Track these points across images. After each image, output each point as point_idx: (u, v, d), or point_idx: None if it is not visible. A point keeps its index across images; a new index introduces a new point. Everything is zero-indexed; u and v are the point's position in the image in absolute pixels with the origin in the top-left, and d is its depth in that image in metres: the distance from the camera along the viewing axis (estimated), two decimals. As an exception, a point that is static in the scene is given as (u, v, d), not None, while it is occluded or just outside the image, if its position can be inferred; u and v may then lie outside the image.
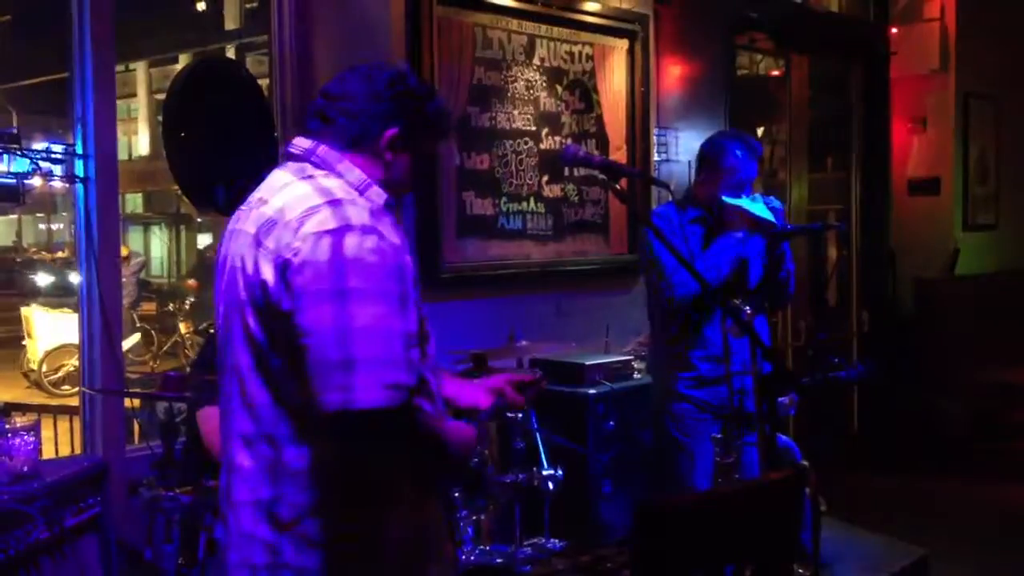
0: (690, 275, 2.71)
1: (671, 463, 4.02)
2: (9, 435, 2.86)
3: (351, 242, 1.91)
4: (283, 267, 1.94)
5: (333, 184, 2.05)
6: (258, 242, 2.00)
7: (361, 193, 2.08)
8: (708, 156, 3.99)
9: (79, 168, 4.10)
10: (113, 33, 4.17)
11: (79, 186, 4.12)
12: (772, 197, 3.93)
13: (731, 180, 3.90)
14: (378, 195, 2.10)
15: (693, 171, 4.22)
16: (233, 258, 2.09)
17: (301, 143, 2.15)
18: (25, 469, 2.87)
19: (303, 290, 1.91)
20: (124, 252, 13.80)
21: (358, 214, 1.96)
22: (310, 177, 2.07)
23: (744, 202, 3.86)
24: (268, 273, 1.96)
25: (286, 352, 1.96)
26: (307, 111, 2.18)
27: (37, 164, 3.96)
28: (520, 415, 4.00)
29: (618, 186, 2.64)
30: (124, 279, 11.65)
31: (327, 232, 1.92)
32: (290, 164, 2.14)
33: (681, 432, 3.95)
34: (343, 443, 1.95)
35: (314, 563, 2.01)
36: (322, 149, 2.11)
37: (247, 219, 2.09)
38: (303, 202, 1.99)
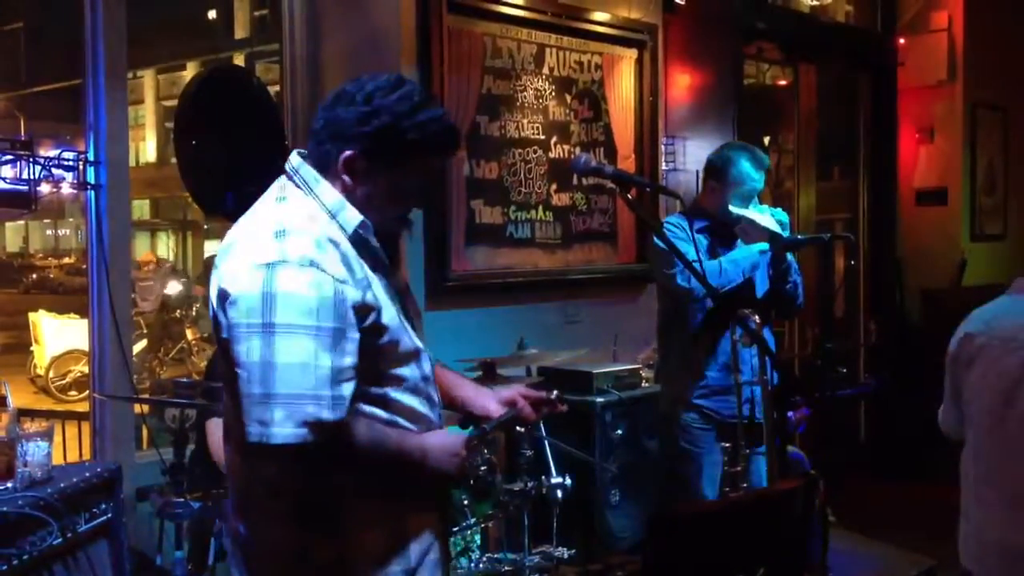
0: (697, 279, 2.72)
1: (679, 472, 4.02)
2: (23, 440, 2.88)
3: (285, 276, 1.91)
4: (222, 296, 1.97)
5: (299, 210, 2.03)
6: (216, 266, 2.04)
7: (334, 216, 2.05)
8: (715, 167, 4.01)
9: (91, 175, 4.11)
10: (125, 41, 4.20)
11: (90, 193, 4.14)
12: (778, 208, 3.95)
13: (738, 191, 3.92)
14: (352, 218, 2.06)
15: (700, 181, 4.24)
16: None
17: (292, 159, 2.14)
18: (39, 475, 2.88)
19: (236, 322, 1.93)
20: (151, 258, 13.83)
21: (302, 247, 1.94)
22: (282, 199, 2.07)
23: (751, 213, 3.88)
24: (214, 299, 2.01)
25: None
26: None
27: (49, 171, 3.98)
28: (526, 428, 4.01)
29: (629, 196, 2.64)
30: (151, 283, 11.68)
31: (264, 265, 1.92)
32: (282, 178, 2.14)
33: (690, 441, 3.96)
34: (277, 469, 1.98)
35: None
36: (304, 168, 2.10)
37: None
38: (254, 231, 2.00)
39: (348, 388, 1.94)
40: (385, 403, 2.06)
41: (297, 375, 1.88)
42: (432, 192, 2.26)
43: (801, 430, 3.98)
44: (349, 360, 1.95)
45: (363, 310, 1.99)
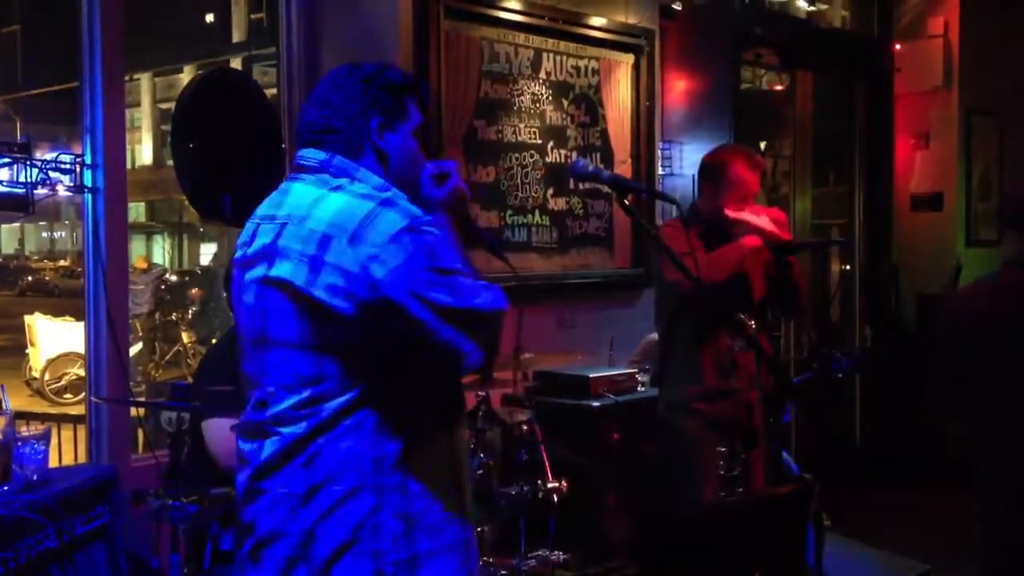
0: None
1: (676, 476, 4.02)
2: (20, 443, 2.87)
3: (426, 231, 2.05)
4: (360, 278, 2.00)
5: (364, 189, 2.11)
6: (317, 259, 2.03)
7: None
8: (710, 169, 4.01)
9: (87, 178, 4.11)
10: (122, 44, 4.20)
11: (87, 196, 4.13)
12: (775, 208, 3.95)
13: (734, 193, 3.91)
14: (400, 196, 2.15)
15: (696, 184, 4.24)
16: (263, 272, 2.11)
17: (314, 154, 2.17)
18: (35, 478, 2.88)
19: (408, 286, 2.00)
20: (144, 264, 13.82)
21: (411, 206, 2.08)
22: (338, 188, 2.11)
23: (748, 215, 3.88)
24: (335, 286, 2.02)
25: (350, 354, 2.06)
26: (300, 128, 2.22)
27: (46, 174, 3.98)
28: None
29: (626, 200, 2.65)
30: (143, 287, 11.68)
31: (403, 231, 2.02)
32: (306, 177, 2.16)
33: (686, 445, 3.96)
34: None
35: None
36: (338, 159, 2.15)
37: (284, 236, 2.10)
38: (355, 212, 2.04)
39: None
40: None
41: (469, 280, 2.09)
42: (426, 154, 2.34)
43: (787, 419, 3.97)
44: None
45: None
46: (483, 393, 4.07)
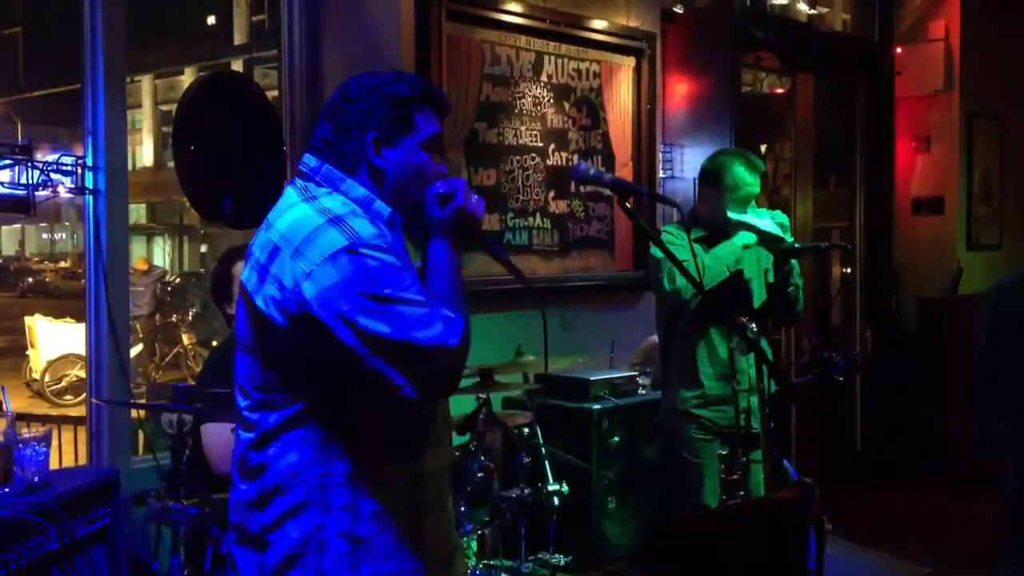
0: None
1: (677, 480, 4.03)
2: (21, 445, 2.87)
3: (368, 254, 1.96)
4: (293, 294, 1.97)
5: (335, 203, 2.07)
6: (263, 268, 2.03)
7: (366, 208, 2.10)
8: (710, 173, 4.02)
9: (89, 180, 4.11)
10: (125, 46, 4.20)
11: (88, 198, 4.13)
12: (777, 211, 3.95)
13: (734, 196, 3.92)
14: (381, 209, 2.12)
15: (697, 189, 4.24)
16: (245, 278, 2.12)
17: (309, 161, 2.17)
18: (36, 480, 2.88)
19: (335, 309, 1.94)
20: (144, 265, 13.81)
21: (362, 227, 2.00)
22: (313, 198, 2.09)
23: (749, 217, 3.88)
24: (271, 297, 2.00)
25: (287, 367, 2.03)
26: (313, 131, 2.21)
27: (48, 175, 3.98)
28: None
29: (627, 204, 2.65)
30: (142, 289, 11.68)
31: (341, 251, 1.95)
32: (297, 182, 2.17)
33: (687, 450, 3.96)
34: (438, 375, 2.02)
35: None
36: (326, 168, 2.14)
37: (256, 241, 2.12)
38: (304, 226, 2.02)
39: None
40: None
41: (420, 317, 1.97)
42: (440, 165, 2.27)
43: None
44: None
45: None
46: (484, 396, 4.07)
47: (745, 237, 3.88)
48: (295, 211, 2.07)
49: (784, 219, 3.91)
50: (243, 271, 2.12)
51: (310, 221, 2.02)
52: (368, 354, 1.94)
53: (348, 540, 2.04)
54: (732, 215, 3.89)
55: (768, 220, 3.87)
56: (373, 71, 2.20)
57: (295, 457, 2.04)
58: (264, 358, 2.06)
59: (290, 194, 2.14)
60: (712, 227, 3.96)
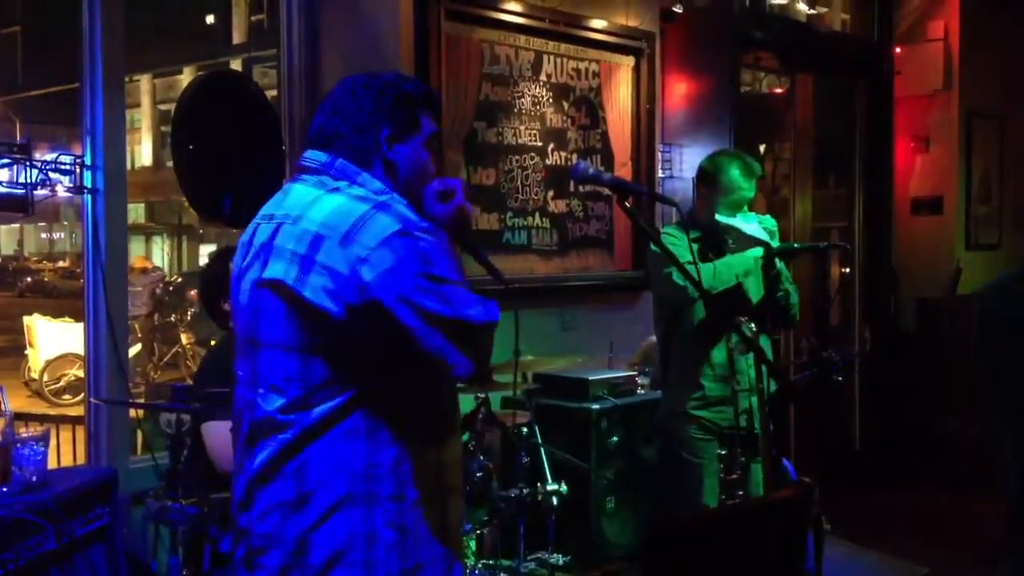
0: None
1: (676, 480, 4.02)
2: (19, 445, 2.87)
3: (420, 237, 2.03)
4: (350, 280, 1.99)
5: (362, 192, 2.10)
6: (308, 259, 2.03)
7: None
8: (706, 174, 4.03)
9: (87, 179, 4.11)
10: (123, 45, 4.20)
11: (87, 197, 4.13)
12: (767, 216, 3.95)
13: (727, 199, 3.92)
14: (400, 201, 2.14)
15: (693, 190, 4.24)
16: (259, 273, 2.11)
17: (317, 156, 2.17)
18: (34, 479, 2.88)
19: (396, 291, 1.99)
20: (145, 264, 13.81)
21: (407, 211, 2.07)
22: (336, 190, 2.11)
23: (738, 221, 3.89)
24: (323, 287, 2.01)
25: (343, 355, 2.05)
26: (310, 132, 2.22)
27: (46, 175, 3.98)
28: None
29: (627, 203, 2.65)
30: (140, 289, 11.68)
31: (395, 235, 2.00)
32: (307, 178, 2.17)
33: (686, 450, 3.96)
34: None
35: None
36: (340, 162, 2.15)
37: (279, 235, 2.10)
38: (349, 213, 2.04)
39: None
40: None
41: (465, 291, 2.06)
42: (438, 165, 2.33)
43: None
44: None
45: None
46: (483, 395, 4.07)
47: (758, 251, 3.88)
48: (328, 201, 2.08)
49: (772, 224, 3.91)
50: (268, 268, 2.09)
51: (354, 208, 2.04)
52: (428, 333, 2.00)
53: (396, 530, 2.07)
54: (720, 218, 3.89)
55: (756, 225, 3.88)
56: (372, 71, 2.23)
57: (341, 450, 2.05)
58: (311, 350, 2.05)
59: (305, 189, 2.14)
60: (707, 228, 3.96)
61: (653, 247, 3.83)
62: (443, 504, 2.16)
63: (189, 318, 12.51)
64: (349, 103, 2.16)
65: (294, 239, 2.06)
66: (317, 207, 2.08)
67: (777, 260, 3.94)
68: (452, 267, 2.06)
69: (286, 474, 2.07)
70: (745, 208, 3.96)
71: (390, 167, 2.17)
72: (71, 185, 4.07)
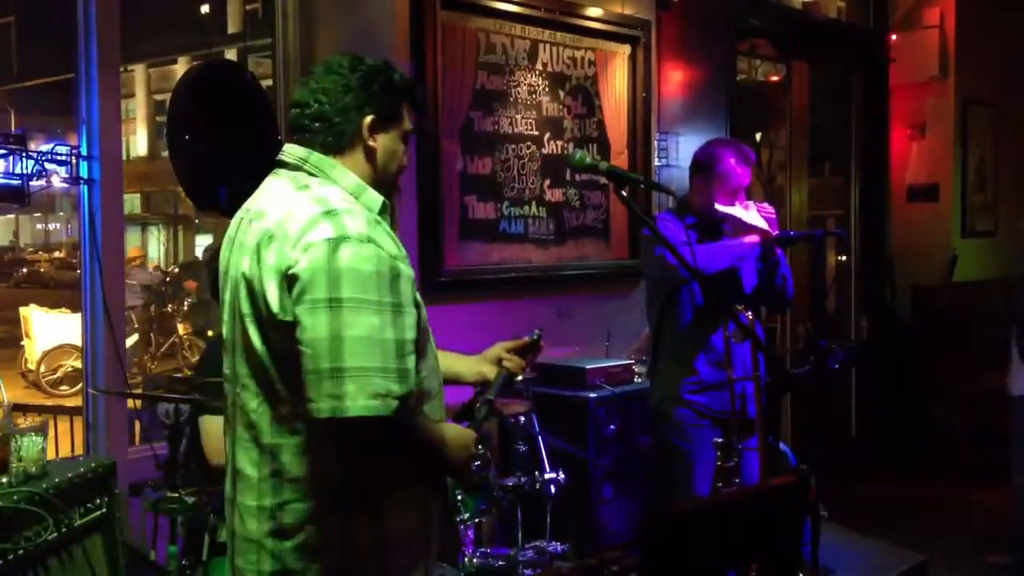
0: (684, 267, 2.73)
1: (672, 467, 4.03)
2: (18, 435, 2.87)
3: (347, 252, 1.94)
4: (284, 279, 1.97)
5: (329, 192, 2.07)
6: (259, 256, 2.02)
7: (357, 199, 2.10)
8: (701, 163, 4.03)
9: (83, 169, 4.11)
10: (118, 35, 4.19)
11: (83, 187, 4.13)
12: (766, 204, 3.96)
13: (724, 187, 3.93)
14: (374, 200, 2.13)
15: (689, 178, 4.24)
16: (235, 269, 2.11)
17: (294, 151, 2.16)
18: (33, 470, 2.88)
19: (300, 299, 1.94)
20: (137, 253, 13.79)
21: (355, 223, 1.99)
22: (306, 187, 2.09)
23: (737, 210, 3.89)
24: (270, 286, 1.99)
25: (285, 362, 2.00)
26: (292, 108, 2.20)
27: (42, 165, 3.97)
28: (523, 378, 4.02)
29: (623, 192, 2.66)
30: (134, 283, 11.67)
31: (324, 241, 1.95)
32: (284, 173, 2.16)
33: (682, 437, 3.97)
34: (338, 450, 1.99)
35: (316, 570, 2.04)
36: (315, 157, 2.13)
37: (247, 231, 2.10)
38: (301, 214, 2.01)
39: (411, 361, 1.99)
40: (419, 381, 2.08)
41: (365, 349, 1.91)
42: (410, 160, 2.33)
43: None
44: (410, 334, 2.00)
45: (413, 285, 2.07)
46: (482, 384, 4.07)
47: (753, 238, 3.89)
48: (289, 200, 2.07)
49: (771, 211, 3.91)
50: (239, 263, 2.10)
51: (306, 211, 2.01)
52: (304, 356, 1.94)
53: (375, 532, 2.06)
54: (720, 207, 3.90)
55: (754, 213, 3.88)
56: (357, 55, 2.20)
57: (313, 461, 2.03)
58: (279, 350, 2.02)
59: (278, 184, 2.14)
60: (703, 216, 3.96)
61: (646, 232, 3.85)
62: (428, 502, 2.16)
63: (186, 308, 12.51)
64: (334, 84, 2.13)
65: (256, 235, 2.06)
66: (278, 205, 2.07)
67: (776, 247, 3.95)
68: (370, 289, 1.94)
69: (264, 478, 2.07)
70: (744, 195, 3.96)
71: (371, 154, 2.15)
72: (67, 175, 4.07)
